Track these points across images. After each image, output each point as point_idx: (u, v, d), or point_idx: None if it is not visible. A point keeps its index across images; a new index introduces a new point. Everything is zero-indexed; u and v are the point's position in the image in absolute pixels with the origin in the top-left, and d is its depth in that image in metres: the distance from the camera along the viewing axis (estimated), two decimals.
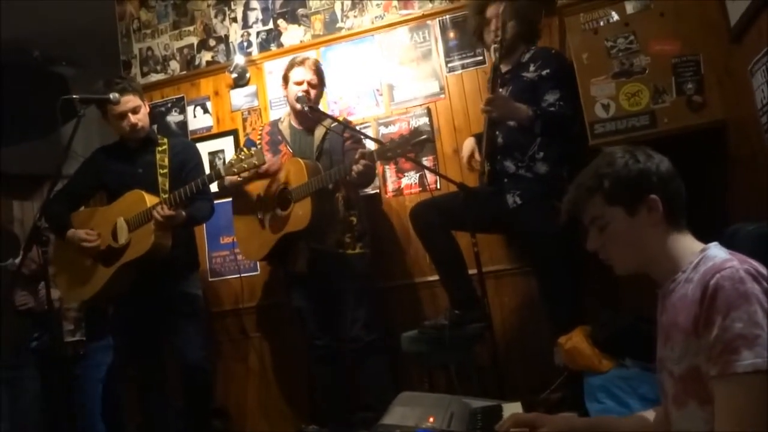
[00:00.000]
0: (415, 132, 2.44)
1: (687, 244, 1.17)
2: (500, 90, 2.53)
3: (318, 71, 2.91)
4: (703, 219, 1.32)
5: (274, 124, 3.05)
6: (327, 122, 2.91)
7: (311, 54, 3.36)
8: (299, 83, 2.87)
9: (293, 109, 2.93)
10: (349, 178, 2.63)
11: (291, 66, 2.93)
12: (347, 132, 2.90)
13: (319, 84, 2.91)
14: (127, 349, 2.93)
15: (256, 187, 2.92)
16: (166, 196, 2.67)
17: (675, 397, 1.13)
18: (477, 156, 2.73)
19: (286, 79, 2.94)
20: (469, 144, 2.81)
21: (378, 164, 2.96)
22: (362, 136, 2.95)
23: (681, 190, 1.19)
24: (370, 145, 3.25)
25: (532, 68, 2.52)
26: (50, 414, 3.21)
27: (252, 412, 3.39)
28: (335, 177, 2.66)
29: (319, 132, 2.92)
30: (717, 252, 1.12)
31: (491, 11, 2.62)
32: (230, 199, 3.12)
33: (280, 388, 3.37)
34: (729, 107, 2.06)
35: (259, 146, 2.90)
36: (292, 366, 3.34)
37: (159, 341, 2.82)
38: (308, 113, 2.85)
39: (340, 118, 2.97)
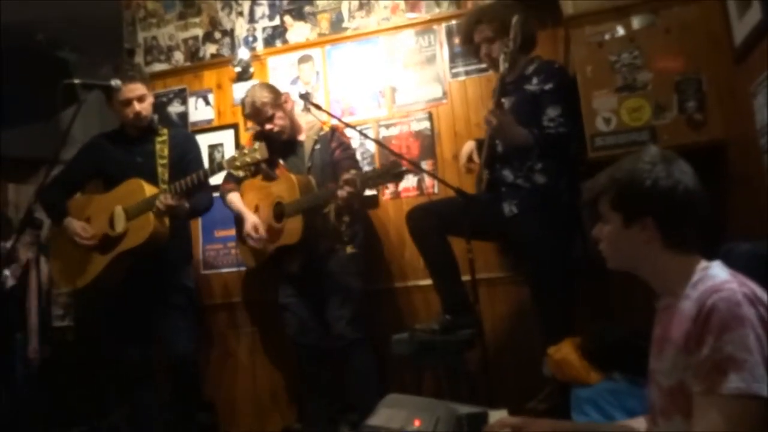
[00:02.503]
0: (395, 164, 2.46)
1: (687, 265, 1.16)
2: (503, 101, 2.52)
3: (262, 110, 2.84)
4: (703, 237, 1.32)
5: (266, 136, 3.06)
6: (314, 131, 2.95)
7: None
8: (262, 125, 2.91)
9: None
10: (334, 201, 2.69)
11: (247, 117, 2.99)
12: (334, 141, 2.91)
13: (275, 109, 2.86)
14: (116, 339, 2.91)
15: (255, 197, 3.01)
16: (166, 186, 2.66)
17: (662, 409, 1.13)
18: (475, 158, 2.74)
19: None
20: (468, 146, 2.81)
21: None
22: (350, 142, 2.97)
23: (692, 215, 1.16)
24: (370, 146, 3.28)
25: (535, 81, 2.52)
26: (36, 399, 3.20)
27: (239, 407, 3.38)
28: (324, 198, 2.72)
29: (309, 144, 2.94)
30: (718, 272, 1.12)
31: (478, 37, 2.63)
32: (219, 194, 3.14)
33: (268, 384, 3.36)
34: (729, 127, 2.07)
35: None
36: (280, 363, 3.34)
37: (149, 332, 2.81)
38: (309, 111, 2.88)
39: (327, 126, 2.97)
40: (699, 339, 1.02)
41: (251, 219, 2.91)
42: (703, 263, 1.16)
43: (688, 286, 1.12)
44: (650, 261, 1.18)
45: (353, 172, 2.53)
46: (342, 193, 2.55)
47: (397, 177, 2.49)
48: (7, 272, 3.16)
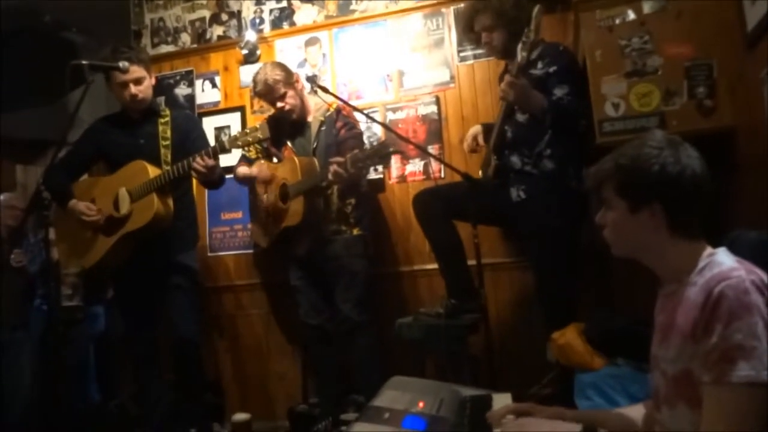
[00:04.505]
0: (383, 145, 2.47)
1: (693, 251, 1.14)
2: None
3: (275, 88, 2.85)
4: (707, 224, 1.31)
5: (275, 119, 3.07)
6: (321, 112, 2.94)
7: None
8: (273, 104, 2.92)
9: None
10: (326, 183, 2.68)
11: (258, 95, 3.01)
12: (339, 121, 2.91)
13: (287, 88, 2.87)
14: (122, 319, 2.94)
15: (264, 179, 3.03)
16: (168, 168, 2.66)
17: (666, 396, 1.13)
18: (480, 141, 2.73)
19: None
20: (475, 128, 2.80)
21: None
22: (356, 121, 2.96)
23: (699, 201, 1.14)
24: (377, 130, 3.28)
25: (540, 65, 2.49)
26: (43, 376, 3.24)
27: (246, 388, 3.42)
28: (319, 180, 2.72)
29: (315, 125, 2.94)
30: (724, 258, 1.11)
31: (477, 26, 2.61)
32: (233, 176, 3.18)
33: (275, 365, 3.39)
34: (739, 113, 2.05)
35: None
36: (286, 344, 3.37)
37: (154, 313, 2.83)
38: (316, 94, 2.88)
39: (333, 106, 2.95)
40: (707, 327, 1.02)
41: (256, 169, 2.99)
42: (709, 249, 1.15)
43: (694, 272, 1.11)
44: (656, 247, 1.17)
45: (356, 152, 2.52)
46: (330, 175, 2.56)
47: (385, 158, 2.49)
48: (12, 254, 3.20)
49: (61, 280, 3.02)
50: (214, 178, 2.73)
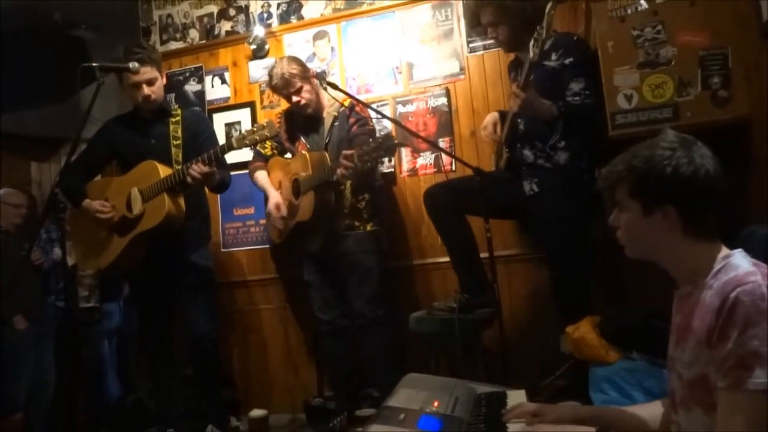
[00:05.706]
0: (387, 138, 2.46)
1: (708, 253, 1.13)
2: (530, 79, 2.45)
3: (291, 82, 2.84)
4: (721, 219, 1.30)
5: (289, 113, 3.07)
6: (334, 108, 2.94)
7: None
8: (289, 98, 2.91)
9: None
10: (336, 178, 2.65)
11: (274, 89, 2.98)
12: (352, 117, 2.90)
13: (303, 82, 2.87)
14: (138, 317, 2.97)
15: (279, 175, 3.04)
16: (179, 167, 2.67)
17: (682, 400, 1.13)
18: (499, 129, 2.69)
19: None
20: (492, 115, 2.75)
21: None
22: (369, 117, 2.94)
23: (713, 201, 1.13)
24: (387, 123, 3.26)
25: (554, 56, 2.45)
26: (60, 372, 3.30)
27: (261, 383, 3.45)
28: (328, 174, 2.70)
29: (328, 121, 2.94)
30: (740, 261, 1.09)
31: (485, 19, 2.57)
32: (246, 171, 3.21)
33: (289, 360, 3.42)
34: (755, 104, 2.02)
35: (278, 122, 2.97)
36: (300, 339, 3.39)
37: (170, 311, 2.86)
38: (326, 90, 2.88)
39: (346, 102, 2.93)
40: (722, 333, 1.01)
41: (273, 197, 2.97)
42: (725, 251, 1.13)
43: (710, 275, 1.10)
44: (670, 249, 1.16)
45: (362, 146, 2.51)
46: (340, 169, 2.56)
47: (390, 150, 2.49)
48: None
49: (78, 282, 3.06)
50: (212, 185, 2.72)
